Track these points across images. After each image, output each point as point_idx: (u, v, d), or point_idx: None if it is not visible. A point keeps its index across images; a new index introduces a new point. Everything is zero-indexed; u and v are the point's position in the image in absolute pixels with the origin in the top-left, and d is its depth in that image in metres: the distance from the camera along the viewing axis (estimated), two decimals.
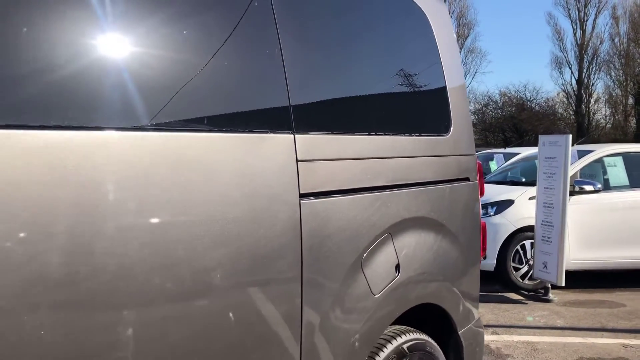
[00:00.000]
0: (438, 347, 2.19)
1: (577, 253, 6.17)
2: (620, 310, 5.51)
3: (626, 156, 6.81)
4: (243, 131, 1.42)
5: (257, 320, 1.44)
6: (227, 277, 1.36)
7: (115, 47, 1.21)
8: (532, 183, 6.55)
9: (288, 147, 1.53)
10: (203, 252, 1.30)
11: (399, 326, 2.04)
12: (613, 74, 43.28)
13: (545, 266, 5.78)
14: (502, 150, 12.85)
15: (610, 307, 5.65)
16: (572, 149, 6.02)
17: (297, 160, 1.55)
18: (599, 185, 6.29)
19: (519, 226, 6.21)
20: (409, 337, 2.03)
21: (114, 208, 1.14)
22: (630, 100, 42.95)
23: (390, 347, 1.93)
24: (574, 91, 43.86)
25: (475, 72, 43.20)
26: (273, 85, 1.52)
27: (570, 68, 43.44)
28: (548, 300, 5.83)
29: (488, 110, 37.86)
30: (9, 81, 1.03)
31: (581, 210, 6.19)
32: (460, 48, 46.52)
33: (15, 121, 1.02)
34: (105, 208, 1.13)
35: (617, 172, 6.70)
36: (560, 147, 5.73)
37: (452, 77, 2.32)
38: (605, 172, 6.71)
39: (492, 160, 11.23)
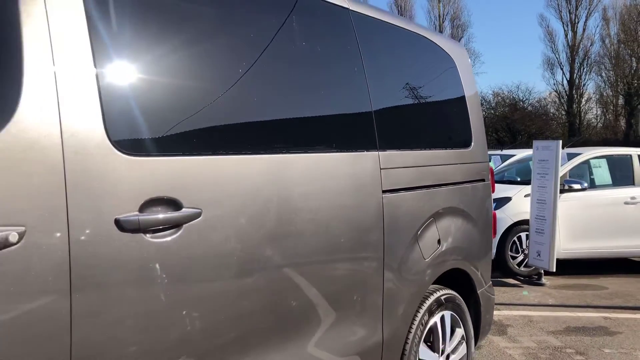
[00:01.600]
0: (463, 302, 3.04)
1: (567, 243, 7.02)
2: (603, 292, 6.38)
3: (609, 158, 7.68)
4: (352, 151, 2.26)
5: (360, 270, 2.27)
6: (346, 241, 2.19)
7: (294, 104, 2.05)
8: (526, 182, 7.40)
9: (375, 160, 2.37)
10: (336, 225, 2.13)
11: (437, 285, 2.88)
12: (604, 74, 43.66)
13: (539, 255, 6.63)
14: (498, 152, 13.74)
15: (594, 289, 6.52)
16: (562, 152, 6.87)
17: (380, 169, 2.39)
18: (586, 184, 7.15)
19: (515, 220, 7.05)
20: (445, 291, 2.87)
21: (297, 197, 1.96)
22: (621, 101, 43.51)
23: (433, 297, 2.77)
24: (565, 92, 44.37)
25: None
26: (367, 123, 2.36)
27: (561, 69, 44.10)
28: (541, 284, 6.69)
29: (481, 110, 38.63)
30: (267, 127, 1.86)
31: (570, 206, 7.04)
32: None
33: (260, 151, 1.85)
34: (295, 198, 1.95)
35: (602, 173, 7.57)
36: (551, 151, 6.58)
37: (473, 106, 3.17)
38: (591, 173, 7.57)
39: (489, 161, 12.07)
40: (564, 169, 7.14)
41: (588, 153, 7.65)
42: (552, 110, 43.43)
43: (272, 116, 1.98)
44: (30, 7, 1.35)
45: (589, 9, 43.70)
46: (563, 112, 44.18)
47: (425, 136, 2.81)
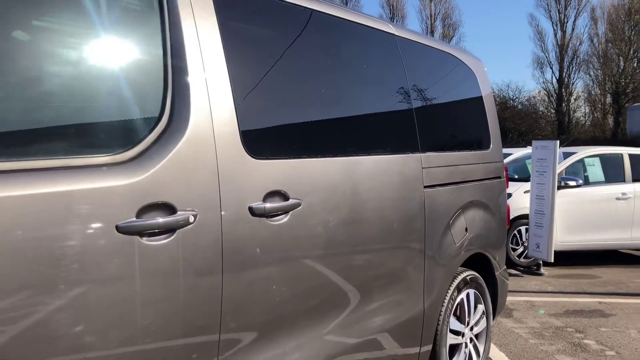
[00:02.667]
0: (483, 282, 3.54)
1: (563, 236, 7.56)
2: (597, 280, 6.92)
3: (602, 157, 8.23)
4: (402, 153, 2.74)
5: (408, 252, 2.76)
6: (397, 227, 2.67)
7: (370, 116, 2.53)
8: (524, 179, 7.94)
9: (418, 161, 2.86)
10: (390, 214, 2.61)
11: (464, 267, 3.38)
12: (592, 73, 44.02)
13: (538, 247, 7.16)
14: None
15: (589, 278, 7.06)
16: (558, 151, 7.40)
17: (422, 168, 2.87)
18: (580, 181, 7.70)
19: (516, 214, 7.57)
20: (469, 272, 3.37)
21: (363, 190, 2.44)
22: (609, 99, 44.27)
23: (460, 277, 3.26)
24: (555, 90, 44.95)
25: None
26: (411, 130, 2.84)
27: (551, 68, 44.47)
28: (540, 274, 7.23)
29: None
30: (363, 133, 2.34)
31: (566, 202, 7.58)
32: None
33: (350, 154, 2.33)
34: (362, 191, 2.43)
35: (595, 170, 8.12)
36: (549, 150, 7.10)
37: (490, 114, 3.67)
38: (585, 170, 8.12)
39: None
40: (560, 167, 7.67)
41: (582, 152, 8.20)
42: (541, 109, 43.97)
43: (346, 128, 2.47)
44: (190, 36, 1.83)
45: (578, 8, 44.15)
46: (552, 111, 44.74)
47: (455, 140, 3.31)
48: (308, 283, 2.17)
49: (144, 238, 1.61)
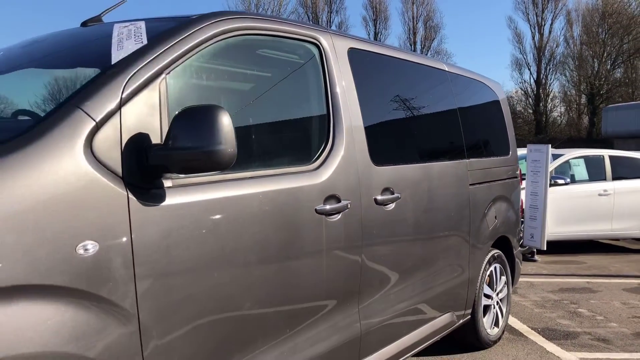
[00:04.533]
0: (505, 258, 4.54)
1: (553, 228, 8.63)
2: (583, 265, 8.01)
3: (586, 158, 9.34)
4: (455, 160, 3.73)
5: (460, 233, 3.74)
6: (454, 215, 3.65)
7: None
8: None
9: (465, 165, 3.84)
10: (450, 205, 3.59)
11: (493, 247, 4.37)
12: (568, 74, 45.37)
13: (532, 237, 8.18)
14: None
15: (576, 264, 8.14)
16: (550, 154, 8.44)
17: (468, 170, 3.86)
18: (568, 180, 8.78)
19: None
20: (496, 251, 4.36)
21: (435, 187, 3.41)
22: (584, 99, 45.77)
23: (491, 254, 4.25)
24: (532, 91, 46.20)
25: None
26: (461, 143, 3.83)
27: (529, 69, 45.79)
28: (534, 261, 8.28)
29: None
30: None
31: (556, 198, 8.63)
32: (427, 50, 48.98)
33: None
34: (434, 188, 3.40)
35: (580, 170, 9.22)
36: (542, 153, 8.13)
37: (509, 127, 4.67)
38: (571, 170, 9.23)
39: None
40: (550, 167, 8.73)
41: (569, 154, 9.29)
42: (518, 108, 45.11)
43: (423, 144, 3.45)
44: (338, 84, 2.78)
45: (555, 12, 45.35)
46: (530, 111, 46.02)
47: (487, 149, 4.31)
48: (405, 250, 3.15)
49: (327, 217, 2.56)
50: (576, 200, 8.80)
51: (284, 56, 2.70)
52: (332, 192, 2.59)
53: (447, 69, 3.91)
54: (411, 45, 48.09)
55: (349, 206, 2.67)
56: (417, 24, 48.52)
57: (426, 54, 47.55)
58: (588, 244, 9.66)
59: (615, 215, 8.97)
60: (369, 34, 47.60)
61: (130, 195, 1.78)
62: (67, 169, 1.65)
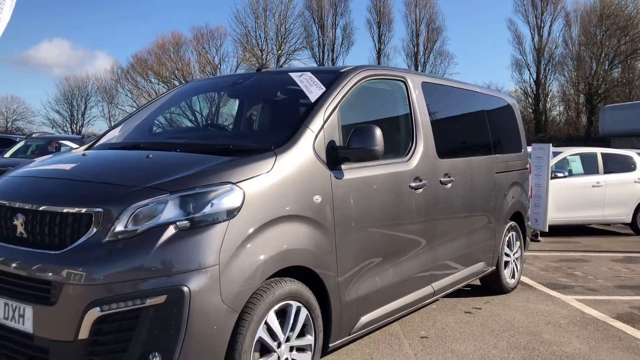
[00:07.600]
0: (519, 228, 6.13)
1: (553, 214, 10.19)
2: (579, 244, 9.60)
3: (582, 155, 10.93)
4: (486, 155, 5.31)
5: (489, 209, 5.32)
6: (485, 195, 5.23)
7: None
8: None
9: (493, 159, 5.42)
10: (484, 188, 5.17)
11: (510, 220, 5.95)
12: (567, 74, 46.38)
13: (536, 220, 9.76)
14: None
15: (573, 244, 9.72)
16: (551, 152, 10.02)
17: (494, 163, 5.44)
18: (566, 173, 10.36)
19: None
20: (513, 222, 5.94)
21: (474, 175, 4.99)
22: (582, 99, 46.19)
23: (509, 224, 5.82)
24: (532, 91, 46.94)
25: (444, 74, 46.04)
26: (489, 142, 5.42)
27: (529, 70, 46.97)
28: (538, 241, 9.85)
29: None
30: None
31: (555, 189, 10.18)
32: (430, 51, 50.29)
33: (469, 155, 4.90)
34: (474, 175, 4.98)
35: (577, 165, 10.81)
36: (544, 150, 9.71)
37: (522, 133, 6.27)
38: (569, 165, 10.82)
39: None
40: (551, 163, 10.31)
41: (567, 151, 10.88)
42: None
43: (467, 144, 5.04)
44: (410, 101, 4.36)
45: (554, 14, 46.30)
46: (530, 110, 46.99)
47: (505, 147, 5.89)
48: (457, 214, 4.74)
49: (415, 190, 4.14)
50: (573, 191, 10.38)
51: (388, 89, 4.28)
52: (417, 175, 4.16)
53: (479, 91, 5.50)
54: (414, 47, 49.46)
55: (426, 184, 4.25)
56: (419, 26, 49.54)
57: (429, 56, 49.27)
58: (582, 228, 11.25)
59: (607, 203, 10.56)
60: (372, 37, 49.16)
61: (331, 173, 3.36)
62: (308, 158, 3.23)
